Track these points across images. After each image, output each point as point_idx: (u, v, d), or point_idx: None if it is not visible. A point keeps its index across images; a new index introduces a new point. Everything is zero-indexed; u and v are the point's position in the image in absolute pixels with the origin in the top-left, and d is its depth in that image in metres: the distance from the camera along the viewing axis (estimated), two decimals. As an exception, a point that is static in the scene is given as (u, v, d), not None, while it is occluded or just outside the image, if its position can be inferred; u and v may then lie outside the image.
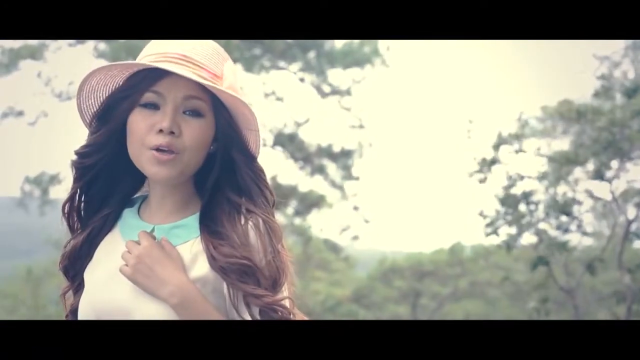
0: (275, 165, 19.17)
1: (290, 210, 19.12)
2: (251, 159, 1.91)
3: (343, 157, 19.36)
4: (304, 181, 19.59)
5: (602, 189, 13.52)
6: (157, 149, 1.83)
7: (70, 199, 2.00)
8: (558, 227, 12.83)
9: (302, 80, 18.71)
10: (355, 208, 20.19)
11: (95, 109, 1.93)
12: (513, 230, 13.05)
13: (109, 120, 1.91)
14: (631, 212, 12.96)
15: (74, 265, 2.01)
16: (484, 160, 13.44)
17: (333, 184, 19.63)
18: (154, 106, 1.85)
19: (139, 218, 1.97)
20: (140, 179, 1.97)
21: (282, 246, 1.89)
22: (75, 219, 2.02)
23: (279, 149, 19.11)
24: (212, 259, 1.82)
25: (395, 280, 25.83)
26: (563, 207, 12.61)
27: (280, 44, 17.25)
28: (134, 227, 1.95)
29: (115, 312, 1.84)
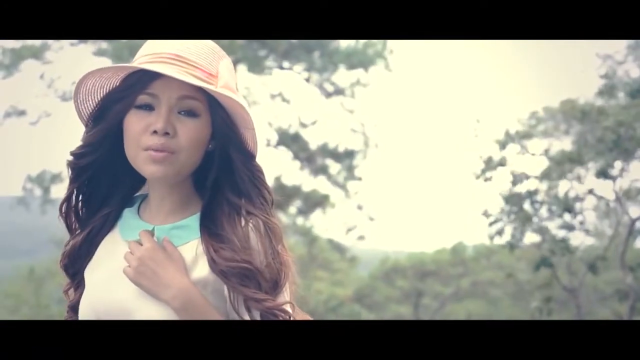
0: (279, 165, 19.22)
1: (293, 209, 19.15)
2: (249, 157, 1.90)
3: (346, 158, 19.39)
4: (308, 181, 19.63)
5: (605, 189, 13.54)
6: (152, 149, 1.84)
7: (67, 199, 1.99)
8: (561, 227, 12.84)
9: (307, 80, 18.74)
10: (359, 207, 20.20)
11: (91, 109, 1.93)
12: (517, 229, 13.06)
13: (103, 121, 1.90)
14: (634, 211, 12.97)
15: (74, 264, 2.01)
16: (489, 159, 13.45)
17: (336, 184, 19.66)
18: (148, 107, 1.84)
19: (139, 218, 1.97)
20: (139, 178, 1.96)
21: (283, 246, 1.88)
22: (73, 219, 2.01)
23: (283, 148, 19.15)
24: (212, 262, 1.82)
25: (398, 280, 25.86)
26: (566, 205, 12.62)
27: (284, 44, 17.26)
28: (134, 227, 1.94)
29: (116, 313, 1.84)
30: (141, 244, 1.86)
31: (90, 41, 16.68)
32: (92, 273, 1.95)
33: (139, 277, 1.81)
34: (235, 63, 17.83)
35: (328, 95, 18.97)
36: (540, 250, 13.03)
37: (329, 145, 19.27)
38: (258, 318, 1.80)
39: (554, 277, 13.06)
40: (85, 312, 1.91)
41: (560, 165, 12.89)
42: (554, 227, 12.95)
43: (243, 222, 1.85)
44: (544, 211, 13.01)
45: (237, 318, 1.81)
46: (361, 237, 20.75)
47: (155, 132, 1.82)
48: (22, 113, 18.01)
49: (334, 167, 19.53)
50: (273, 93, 19.00)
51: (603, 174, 12.17)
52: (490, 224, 13.34)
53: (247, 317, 1.80)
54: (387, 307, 25.75)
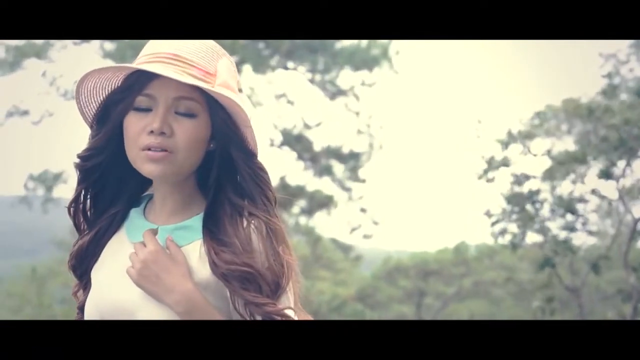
0: (283, 165, 19.22)
1: (296, 209, 19.15)
2: (250, 156, 1.89)
3: (350, 159, 19.38)
4: (312, 181, 19.63)
5: (607, 188, 13.52)
6: (150, 149, 1.84)
7: (75, 199, 2.00)
8: (564, 227, 12.82)
9: (311, 81, 18.74)
10: (362, 208, 20.20)
11: (95, 111, 1.94)
12: (519, 229, 13.04)
13: (107, 123, 1.91)
14: (637, 211, 12.96)
15: (81, 264, 2.02)
16: (491, 159, 13.44)
17: (340, 185, 19.66)
18: (146, 109, 1.85)
19: (144, 218, 1.97)
20: (146, 178, 1.96)
21: (287, 247, 1.88)
22: (82, 219, 2.03)
23: (287, 149, 19.15)
24: (213, 265, 1.82)
25: (400, 280, 25.85)
26: (568, 205, 12.60)
27: (287, 44, 17.26)
28: (139, 228, 1.95)
29: (119, 313, 1.85)
30: (145, 245, 1.87)
31: (93, 41, 16.69)
32: (98, 273, 1.96)
33: (142, 280, 1.82)
34: (240, 63, 17.92)
35: (332, 96, 18.98)
36: (542, 250, 13.01)
37: (333, 146, 19.28)
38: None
39: (557, 276, 13.04)
40: (90, 312, 1.92)
41: (563, 165, 12.87)
42: (556, 227, 12.94)
43: (245, 223, 1.85)
44: (546, 211, 12.99)
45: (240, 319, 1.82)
46: (366, 236, 20.75)
47: (152, 132, 1.82)
48: (25, 113, 18.01)
49: (338, 167, 19.54)
50: (277, 93, 19.02)
51: (606, 174, 12.15)
52: (493, 224, 13.33)
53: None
54: (390, 307, 25.73)
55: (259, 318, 1.80)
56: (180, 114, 1.84)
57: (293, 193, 18.48)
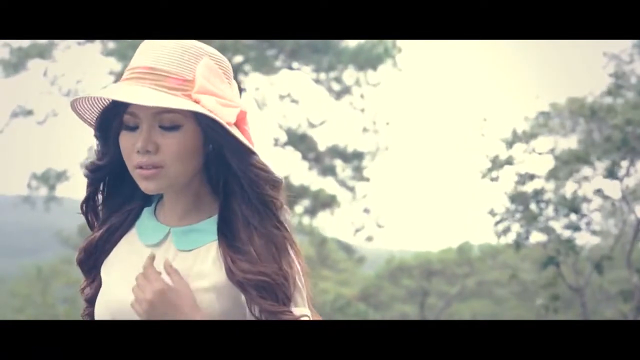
0: (288, 165, 19.20)
1: (300, 209, 19.14)
2: (243, 157, 1.85)
3: (354, 158, 19.38)
4: (316, 181, 19.62)
5: (611, 188, 13.52)
6: (141, 167, 1.84)
7: (87, 199, 2.01)
8: (567, 227, 12.81)
9: (316, 81, 18.74)
10: (366, 208, 20.20)
11: (95, 120, 1.94)
12: (522, 228, 13.04)
13: (108, 139, 1.91)
14: (641, 211, 12.95)
15: (89, 258, 2.01)
16: (495, 158, 13.43)
17: (344, 185, 19.65)
18: (134, 127, 1.84)
19: (155, 219, 1.96)
20: None
21: (296, 252, 1.87)
22: (94, 218, 2.03)
23: (290, 148, 19.15)
24: (230, 272, 1.81)
25: (403, 279, 25.85)
26: (572, 205, 12.59)
27: (291, 44, 17.27)
28: (150, 228, 1.95)
29: (130, 312, 1.84)
30: (153, 256, 1.85)
31: (96, 41, 16.70)
32: (108, 272, 1.96)
33: (150, 316, 1.81)
34: (244, 63, 17.89)
35: (337, 95, 18.97)
36: (546, 250, 13.01)
37: (338, 145, 19.27)
38: None
39: (560, 276, 13.03)
40: (101, 312, 1.91)
41: (567, 165, 12.87)
42: (559, 226, 12.94)
43: (256, 231, 1.84)
44: (550, 210, 12.99)
45: None
46: (369, 238, 20.74)
47: (139, 151, 1.82)
48: (29, 113, 18.03)
49: (342, 167, 19.52)
50: (281, 93, 19.02)
51: (610, 173, 12.15)
52: (496, 223, 13.32)
53: None
54: (393, 307, 25.75)
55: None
56: (164, 128, 1.82)
57: (297, 193, 18.47)
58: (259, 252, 1.81)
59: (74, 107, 1.91)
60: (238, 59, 17.86)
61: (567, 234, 12.86)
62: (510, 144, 13.64)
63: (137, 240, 1.96)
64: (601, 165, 12.70)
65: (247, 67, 18.16)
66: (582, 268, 14.67)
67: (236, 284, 1.80)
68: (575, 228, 12.78)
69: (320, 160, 19.27)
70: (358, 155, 19.35)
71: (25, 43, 17.05)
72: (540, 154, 13.76)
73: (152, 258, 1.83)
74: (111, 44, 16.85)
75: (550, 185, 13.33)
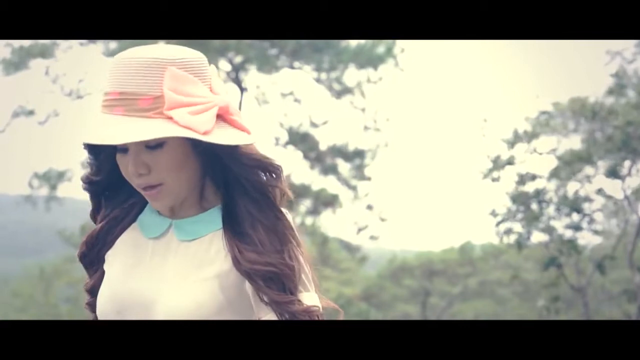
0: (289, 164, 19.21)
1: (302, 208, 19.15)
2: (233, 148, 1.82)
3: (356, 156, 19.39)
4: (317, 180, 19.63)
5: (613, 188, 13.51)
6: (142, 188, 1.84)
7: (94, 210, 2.03)
8: (569, 227, 12.82)
9: (317, 80, 18.75)
10: (369, 207, 20.20)
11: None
12: (524, 228, 13.05)
13: (99, 159, 1.93)
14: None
15: (91, 251, 2.01)
16: (497, 158, 13.44)
17: (345, 183, 19.67)
18: (124, 149, 1.83)
19: (157, 213, 1.97)
20: None
21: (296, 241, 1.87)
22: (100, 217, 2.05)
23: (291, 148, 19.16)
24: (236, 262, 1.81)
25: (405, 279, 25.88)
26: (574, 205, 12.60)
27: (292, 43, 17.28)
28: (153, 222, 1.95)
29: (136, 305, 1.85)
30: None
31: (98, 41, 16.71)
32: (111, 264, 1.96)
33: None
34: (245, 62, 17.89)
35: (338, 94, 18.99)
36: (548, 250, 13.02)
37: (339, 144, 19.29)
38: (287, 317, 1.80)
39: (562, 276, 13.04)
40: (105, 306, 1.91)
41: (569, 165, 12.88)
42: (561, 226, 12.95)
43: (259, 222, 1.84)
44: (551, 210, 13.00)
45: (263, 315, 1.82)
46: (373, 237, 20.76)
47: (133, 174, 1.83)
48: (30, 113, 18.04)
49: (343, 166, 19.54)
50: (282, 92, 19.03)
51: (612, 173, 12.15)
52: (498, 223, 13.33)
53: (275, 317, 1.81)
54: (395, 306, 25.76)
55: (286, 316, 1.80)
56: (151, 147, 1.80)
57: (298, 192, 18.48)
58: (264, 243, 1.81)
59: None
60: (239, 58, 17.89)
61: (569, 233, 12.87)
62: (511, 144, 13.65)
63: (139, 235, 1.96)
64: (603, 165, 12.70)
65: (248, 66, 18.19)
66: (584, 268, 14.68)
67: (243, 274, 1.80)
68: (577, 228, 12.79)
69: (322, 159, 19.28)
70: (359, 154, 19.36)
71: (27, 42, 17.07)
72: (541, 154, 13.77)
73: None
74: (113, 44, 16.85)
75: (551, 185, 13.34)
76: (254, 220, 1.84)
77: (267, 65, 18.09)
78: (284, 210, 1.89)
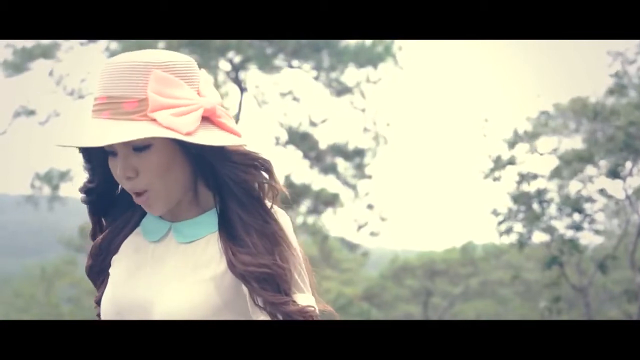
0: (289, 164, 19.22)
1: (303, 208, 19.16)
2: (218, 149, 1.82)
3: (356, 156, 19.40)
4: (317, 179, 19.64)
5: (614, 188, 13.52)
6: (134, 194, 1.85)
7: (94, 232, 2.04)
8: (570, 227, 12.82)
9: (316, 78, 18.76)
10: (369, 206, 20.21)
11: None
12: (525, 228, 13.05)
13: (92, 164, 1.94)
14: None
15: (96, 262, 2.03)
16: (498, 158, 13.44)
17: (346, 183, 19.67)
18: (114, 152, 1.84)
19: (158, 217, 1.98)
20: None
21: (287, 245, 1.86)
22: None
23: (292, 147, 19.17)
24: (231, 265, 1.81)
25: (407, 279, 25.88)
26: (575, 205, 12.60)
27: (292, 43, 17.29)
28: (153, 225, 1.96)
29: (135, 307, 1.85)
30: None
31: (99, 41, 16.73)
32: (115, 269, 1.97)
33: None
34: (245, 62, 17.90)
35: (337, 93, 19.00)
36: (549, 250, 13.02)
37: (339, 143, 19.29)
38: (281, 318, 1.80)
39: (563, 276, 13.04)
40: (107, 308, 1.92)
41: (570, 165, 12.88)
42: (563, 226, 12.95)
43: (252, 224, 1.84)
44: (553, 210, 13.00)
45: (259, 316, 1.82)
46: (373, 234, 20.75)
47: (122, 178, 1.83)
48: (31, 113, 18.06)
49: (343, 165, 19.55)
50: (282, 91, 19.04)
51: (613, 173, 12.15)
52: (499, 223, 13.34)
53: (269, 317, 1.80)
54: (396, 306, 25.78)
55: (280, 317, 1.80)
56: (138, 149, 1.81)
57: (299, 192, 18.49)
58: (256, 245, 1.81)
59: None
60: (239, 57, 17.90)
61: (570, 233, 12.87)
62: (512, 144, 13.65)
63: (142, 238, 1.97)
64: (604, 165, 12.70)
65: (248, 66, 18.19)
66: (585, 268, 14.67)
67: (238, 277, 1.80)
68: (579, 228, 12.79)
69: (322, 158, 19.28)
70: (359, 153, 19.35)
71: (28, 43, 17.09)
72: (542, 154, 13.78)
73: None
74: (115, 44, 16.87)
75: (553, 185, 13.35)
76: (245, 224, 1.84)
77: (267, 65, 18.10)
78: (280, 211, 1.89)
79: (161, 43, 14.80)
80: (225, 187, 1.86)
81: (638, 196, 13.21)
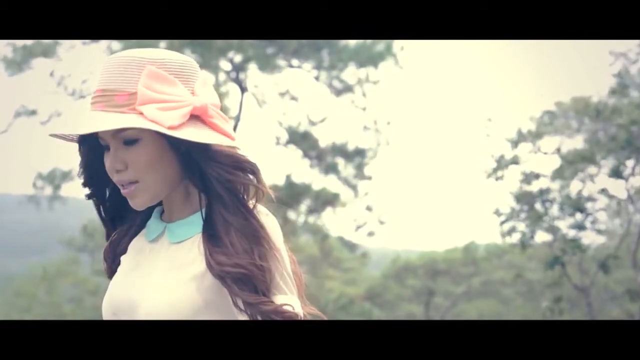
0: (289, 164, 19.24)
1: (303, 208, 19.17)
2: (202, 146, 1.83)
3: (357, 156, 19.40)
4: (318, 179, 19.65)
5: (616, 187, 13.51)
6: (121, 186, 1.87)
7: (107, 232, 2.06)
8: (573, 226, 12.81)
9: (316, 78, 18.75)
10: (369, 206, 20.21)
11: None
12: (528, 227, 13.05)
13: (86, 154, 1.95)
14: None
15: (107, 264, 2.05)
16: (500, 158, 13.45)
17: (346, 183, 19.67)
18: (106, 146, 1.86)
19: (159, 217, 2.00)
20: None
21: (268, 245, 1.85)
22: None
23: (292, 147, 19.17)
24: (209, 265, 1.82)
25: (409, 279, 25.88)
26: (577, 204, 12.60)
27: (293, 42, 17.29)
28: (153, 226, 1.99)
29: (126, 307, 1.86)
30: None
31: (101, 40, 16.74)
32: (118, 270, 1.99)
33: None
34: (245, 61, 17.89)
35: (338, 93, 18.99)
36: (551, 249, 13.02)
37: (339, 143, 19.28)
38: (259, 318, 1.79)
39: (565, 275, 13.04)
40: (105, 309, 1.94)
41: (573, 164, 12.88)
42: (565, 226, 12.95)
43: (232, 223, 1.84)
44: (555, 210, 13.00)
45: (240, 317, 1.81)
46: (371, 233, 20.74)
47: (111, 171, 1.84)
48: (33, 112, 18.06)
49: (344, 165, 19.54)
50: (282, 91, 19.03)
51: (616, 173, 12.15)
52: (502, 223, 13.34)
53: (249, 318, 1.80)
54: (399, 306, 25.78)
55: (259, 317, 1.79)
56: (128, 143, 1.83)
57: (299, 191, 18.51)
58: (234, 244, 1.81)
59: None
60: (239, 57, 17.90)
61: (572, 233, 12.87)
62: (515, 144, 13.65)
63: (143, 239, 1.98)
64: (606, 165, 12.70)
65: (248, 66, 18.20)
66: (587, 267, 14.67)
67: (216, 277, 1.81)
68: (581, 227, 12.79)
69: (322, 158, 19.28)
70: (360, 153, 19.35)
71: (29, 42, 17.09)
72: (545, 153, 13.78)
73: None
74: (115, 43, 16.87)
75: (555, 185, 13.34)
76: (226, 223, 1.84)
77: (267, 65, 18.09)
78: (265, 211, 1.89)
79: (162, 43, 14.81)
80: (211, 187, 1.87)
81: (640, 196, 13.21)
